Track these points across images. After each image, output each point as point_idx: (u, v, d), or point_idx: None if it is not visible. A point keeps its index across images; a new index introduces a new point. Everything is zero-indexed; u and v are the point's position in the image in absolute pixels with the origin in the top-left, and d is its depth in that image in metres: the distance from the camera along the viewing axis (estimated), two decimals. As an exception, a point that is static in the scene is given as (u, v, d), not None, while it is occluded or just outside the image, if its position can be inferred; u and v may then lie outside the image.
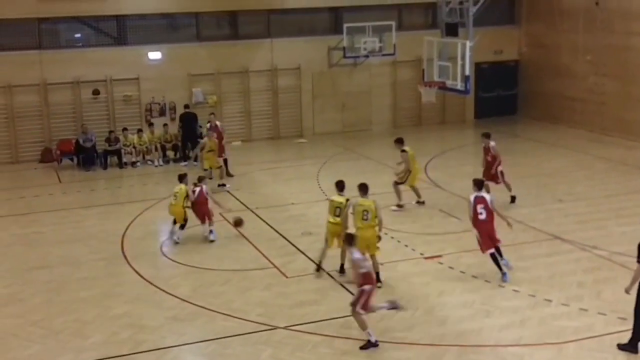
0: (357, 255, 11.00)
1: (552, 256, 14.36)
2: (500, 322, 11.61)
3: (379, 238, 12.92)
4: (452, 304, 12.34)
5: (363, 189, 13.17)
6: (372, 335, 10.92)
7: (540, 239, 15.39)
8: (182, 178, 16.14)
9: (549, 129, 26.67)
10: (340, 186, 13.69)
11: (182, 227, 15.86)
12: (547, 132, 26.09)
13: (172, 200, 15.96)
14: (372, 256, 12.73)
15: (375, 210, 12.79)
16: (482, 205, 13.01)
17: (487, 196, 13.26)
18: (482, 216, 12.99)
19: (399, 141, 17.60)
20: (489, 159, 17.55)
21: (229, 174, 21.00)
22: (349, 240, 11.30)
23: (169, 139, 23.80)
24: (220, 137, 20.75)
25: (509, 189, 17.58)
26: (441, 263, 14.20)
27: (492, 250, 13.04)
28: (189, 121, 23.51)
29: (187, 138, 23.27)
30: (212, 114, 22.60)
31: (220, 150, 20.62)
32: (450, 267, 13.96)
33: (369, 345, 10.87)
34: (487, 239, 13.00)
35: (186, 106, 24.06)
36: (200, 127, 23.68)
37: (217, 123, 21.49)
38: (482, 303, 12.29)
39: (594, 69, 25.34)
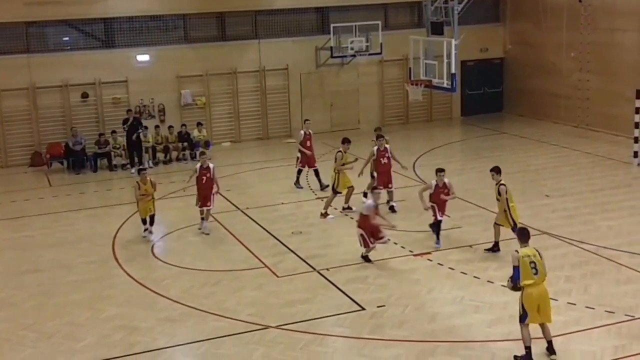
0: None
1: (540, 251, 14.50)
2: (490, 317, 11.77)
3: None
4: (442, 301, 12.49)
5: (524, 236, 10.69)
6: None
7: (528, 235, 15.54)
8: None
9: (535, 125, 26.90)
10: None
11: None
12: (533, 129, 26.32)
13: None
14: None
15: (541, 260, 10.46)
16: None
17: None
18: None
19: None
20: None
21: (322, 186, 19.31)
22: None
23: (159, 140, 23.83)
24: (311, 146, 19.63)
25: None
26: (430, 260, 14.35)
27: None
28: (135, 127, 22.86)
29: (134, 145, 22.77)
30: (307, 120, 20.60)
31: (312, 159, 19.65)
32: (440, 264, 14.11)
33: None
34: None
35: (130, 110, 23.64)
36: (140, 130, 22.91)
37: (310, 131, 19.85)
38: (471, 299, 12.45)
39: (578, 66, 25.59)
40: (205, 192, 16.48)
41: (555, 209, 17.23)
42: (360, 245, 14.27)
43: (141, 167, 19.16)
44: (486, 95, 29.42)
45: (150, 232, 16.38)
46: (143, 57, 25.07)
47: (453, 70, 20.23)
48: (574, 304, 12.07)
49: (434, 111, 28.77)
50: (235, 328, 11.78)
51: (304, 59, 26.59)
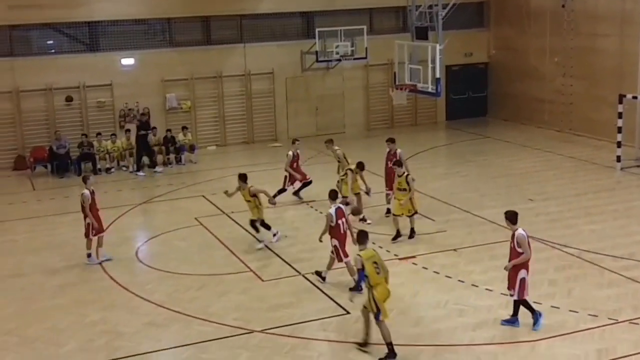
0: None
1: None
2: (474, 321, 11.80)
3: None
4: (427, 304, 12.52)
5: (363, 237, 11.18)
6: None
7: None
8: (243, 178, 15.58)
9: (519, 129, 27.06)
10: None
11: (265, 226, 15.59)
12: (517, 133, 26.47)
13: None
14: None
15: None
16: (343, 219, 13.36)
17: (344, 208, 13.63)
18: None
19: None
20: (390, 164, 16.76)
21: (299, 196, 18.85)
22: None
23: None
24: (298, 167, 18.90)
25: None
26: (415, 264, 14.39)
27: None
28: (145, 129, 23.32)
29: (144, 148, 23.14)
30: (297, 140, 19.48)
31: (304, 176, 18.85)
32: (424, 268, 14.15)
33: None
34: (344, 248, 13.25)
35: (144, 114, 23.83)
36: (150, 132, 23.25)
37: (299, 152, 19.03)
38: (455, 303, 12.49)
39: (562, 71, 25.77)
40: (98, 217, 15.11)
41: (539, 213, 17.33)
42: (335, 257, 13.42)
43: None
44: (470, 99, 29.56)
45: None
46: (128, 61, 24.99)
47: (437, 75, 20.33)
48: (558, 308, 12.14)
49: (419, 115, 28.87)
50: (220, 332, 11.75)
51: (289, 63, 26.60)
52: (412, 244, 15.39)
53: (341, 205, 13.46)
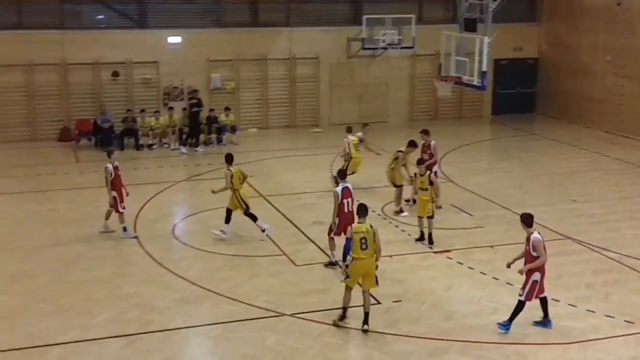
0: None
1: (562, 256, 14.30)
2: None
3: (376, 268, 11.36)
4: (459, 300, 12.37)
5: (361, 210, 11.51)
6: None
7: (551, 238, 15.21)
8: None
9: (566, 128, 26.53)
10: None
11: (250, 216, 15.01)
12: (564, 131, 25.95)
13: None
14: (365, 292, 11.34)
15: (374, 237, 11.18)
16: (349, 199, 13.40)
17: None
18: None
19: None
20: (426, 157, 16.52)
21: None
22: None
23: (187, 123, 23.87)
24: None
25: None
26: (450, 258, 14.22)
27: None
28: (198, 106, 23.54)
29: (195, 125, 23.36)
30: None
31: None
32: (459, 263, 13.98)
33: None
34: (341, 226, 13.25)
35: (196, 91, 23.97)
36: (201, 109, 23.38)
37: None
38: (489, 300, 12.32)
39: (613, 70, 25.15)
40: (121, 191, 15.34)
41: (582, 214, 16.99)
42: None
43: None
44: (518, 95, 29.06)
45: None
46: (174, 39, 25.14)
47: (484, 68, 19.99)
48: (593, 312, 11.88)
49: (464, 108, 28.51)
50: (250, 313, 11.78)
51: (334, 49, 26.45)
52: (448, 238, 15.20)
53: (349, 185, 13.51)
